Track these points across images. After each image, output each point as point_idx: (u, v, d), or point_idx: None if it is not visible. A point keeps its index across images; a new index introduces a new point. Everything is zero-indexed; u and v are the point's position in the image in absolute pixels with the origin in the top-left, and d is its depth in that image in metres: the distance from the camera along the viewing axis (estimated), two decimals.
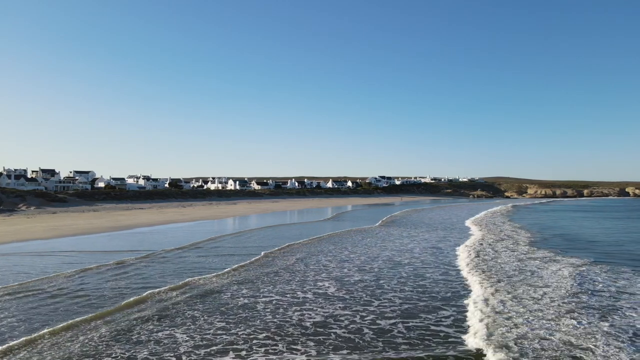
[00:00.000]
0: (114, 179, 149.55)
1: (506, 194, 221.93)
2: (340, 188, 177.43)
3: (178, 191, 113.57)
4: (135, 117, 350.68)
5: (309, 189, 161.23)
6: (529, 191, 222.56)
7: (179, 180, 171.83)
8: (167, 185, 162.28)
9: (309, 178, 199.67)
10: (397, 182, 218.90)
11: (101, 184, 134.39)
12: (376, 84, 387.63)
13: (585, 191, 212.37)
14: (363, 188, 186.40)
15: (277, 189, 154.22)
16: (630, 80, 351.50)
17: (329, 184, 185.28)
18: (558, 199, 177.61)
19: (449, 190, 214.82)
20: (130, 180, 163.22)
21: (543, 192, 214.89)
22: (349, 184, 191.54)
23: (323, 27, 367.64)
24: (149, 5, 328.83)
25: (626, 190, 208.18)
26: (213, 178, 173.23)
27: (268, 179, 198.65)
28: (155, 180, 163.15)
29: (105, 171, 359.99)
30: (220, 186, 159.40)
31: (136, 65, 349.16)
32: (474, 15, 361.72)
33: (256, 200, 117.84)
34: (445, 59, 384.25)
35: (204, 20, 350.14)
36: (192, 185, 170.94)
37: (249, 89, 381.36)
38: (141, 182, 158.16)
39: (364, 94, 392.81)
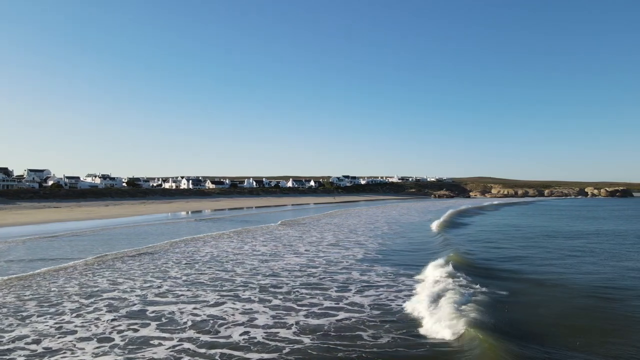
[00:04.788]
0: (68, 177, 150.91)
1: (471, 193, 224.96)
2: (299, 187, 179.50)
3: (113, 190, 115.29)
4: (126, 117, 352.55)
5: (263, 188, 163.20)
6: (493, 191, 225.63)
7: (137, 179, 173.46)
8: (124, 184, 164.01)
9: (287, 178, 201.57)
10: (363, 182, 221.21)
11: (50, 182, 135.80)
12: (374, 83, 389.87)
13: (546, 191, 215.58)
14: (324, 187, 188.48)
15: (230, 188, 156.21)
16: (611, 81, 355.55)
17: (289, 183, 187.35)
18: (515, 198, 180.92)
19: (413, 190, 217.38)
20: (89, 179, 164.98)
21: (505, 192, 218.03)
22: (312, 183, 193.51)
23: (296, 23, 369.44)
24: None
25: (585, 190, 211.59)
26: (167, 177, 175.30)
27: (242, 178, 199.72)
28: (113, 179, 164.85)
29: (86, 169, 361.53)
30: (174, 185, 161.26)
31: (141, 68, 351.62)
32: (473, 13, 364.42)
33: (197, 199, 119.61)
34: (429, 55, 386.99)
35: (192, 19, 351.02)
36: (152, 184, 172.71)
37: (240, 89, 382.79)
38: (97, 180, 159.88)
39: (356, 94, 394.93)
